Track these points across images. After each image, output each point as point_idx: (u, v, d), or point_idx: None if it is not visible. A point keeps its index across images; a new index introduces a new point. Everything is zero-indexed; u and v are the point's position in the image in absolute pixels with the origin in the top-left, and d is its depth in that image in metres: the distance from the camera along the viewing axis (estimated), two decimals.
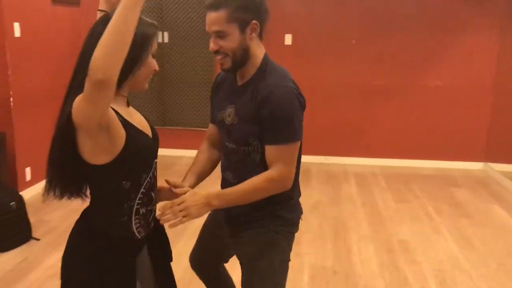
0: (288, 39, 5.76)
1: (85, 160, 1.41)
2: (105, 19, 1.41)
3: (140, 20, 1.46)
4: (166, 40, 5.85)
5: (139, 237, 1.57)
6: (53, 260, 3.28)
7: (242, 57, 1.68)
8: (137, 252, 1.59)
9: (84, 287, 1.50)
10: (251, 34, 1.67)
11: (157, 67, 1.54)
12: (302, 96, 1.71)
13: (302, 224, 1.92)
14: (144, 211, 1.56)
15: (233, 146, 1.77)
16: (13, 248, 3.43)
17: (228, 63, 1.70)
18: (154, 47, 1.50)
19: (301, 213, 1.93)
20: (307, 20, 5.71)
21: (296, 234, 1.91)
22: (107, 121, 1.33)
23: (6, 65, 4.08)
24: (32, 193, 4.32)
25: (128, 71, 1.41)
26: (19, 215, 3.46)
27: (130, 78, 1.46)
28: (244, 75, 1.74)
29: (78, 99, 1.27)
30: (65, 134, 1.38)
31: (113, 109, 1.39)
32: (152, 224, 1.64)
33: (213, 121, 1.94)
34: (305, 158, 1.99)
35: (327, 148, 5.96)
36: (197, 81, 5.92)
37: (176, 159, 6.00)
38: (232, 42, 1.65)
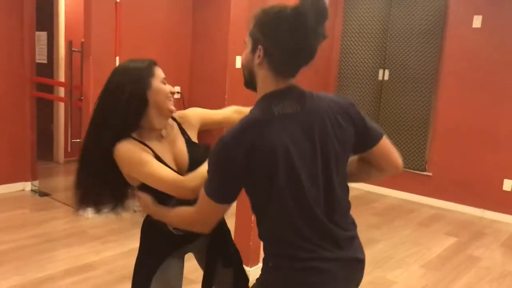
0: None
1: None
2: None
3: (128, 72, 1.69)
4: (386, 77, 5.87)
5: (176, 233, 1.80)
6: None
7: (247, 77, 1.53)
8: (174, 248, 1.87)
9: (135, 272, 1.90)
10: (258, 58, 1.45)
11: (168, 94, 1.71)
12: (231, 158, 1.40)
13: None
14: None
15: None
16: None
17: (243, 77, 1.58)
18: (153, 84, 1.69)
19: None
20: None
21: None
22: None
23: (224, 91, 4.91)
24: None
25: (133, 123, 1.69)
26: None
27: (143, 120, 1.70)
28: None
29: None
30: None
31: (147, 145, 1.69)
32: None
33: None
34: None
35: None
36: (413, 121, 5.72)
37: (379, 196, 5.90)
38: (244, 56, 1.53)
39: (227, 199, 1.46)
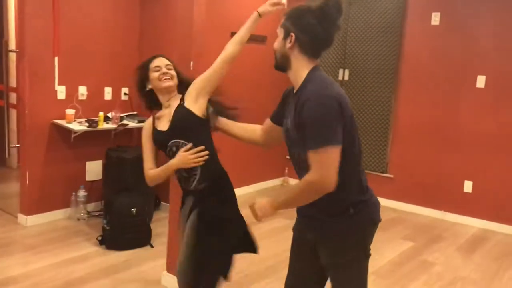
0: (480, 81, 4.91)
1: None
2: None
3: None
4: (346, 77, 5.72)
5: (180, 186, 2.36)
6: (148, 267, 3.58)
7: (281, 60, 1.92)
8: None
9: None
10: (289, 43, 1.85)
11: (158, 76, 2.32)
12: (340, 103, 1.75)
13: None
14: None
15: (291, 150, 1.97)
16: (128, 249, 3.87)
17: (275, 60, 1.96)
18: (151, 70, 2.34)
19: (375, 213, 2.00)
20: (504, 60, 4.78)
21: None
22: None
23: None
24: None
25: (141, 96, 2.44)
26: (138, 221, 3.91)
27: (149, 96, 2.41)
28: (295, 85, 1.92)
29: None
30: None
31: (155, 120, 2.36)
32: (192, 186, 2.28)
33: (271, 118, 2.16)
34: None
35: None
36: (374, 122, 5.58)
37: None
38: (276, 43, 1.92)
39: (340, 141, 1.73)
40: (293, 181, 6.16)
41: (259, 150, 5.92)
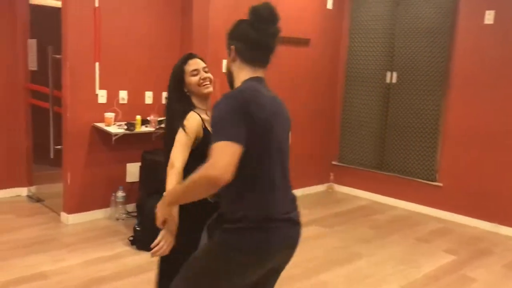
0: None
1: None
2: None
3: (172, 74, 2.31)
4: (394, 80, 5.48)
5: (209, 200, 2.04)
6: None
7: (229, 78, 1.90)
8: (208, 213, 2.00)
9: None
10: (231, 57, 1.87)
11: (197, 80, 2.24)
12: (246, 103, 1.68)
13: None
14: None
15: None
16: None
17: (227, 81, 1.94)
18: (187, 73, 2.25)
19: (259, 243, 1.75)
20: None
21: None
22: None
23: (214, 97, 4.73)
24: None
25: (178, 99, 2.26)
26: None
27: (188, 98, 2.27)
28: None
29: None
30: None
31: (201, 117, 2.21)
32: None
33: None
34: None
35: None
36: (422, 126, 5.30)
37: (387, 207, 5.51)
38: (225, 64, 1.96)
39: (241, 140, 1.63)
40: (339, 188, 5.99)
41: (303, 155, 5.86)
